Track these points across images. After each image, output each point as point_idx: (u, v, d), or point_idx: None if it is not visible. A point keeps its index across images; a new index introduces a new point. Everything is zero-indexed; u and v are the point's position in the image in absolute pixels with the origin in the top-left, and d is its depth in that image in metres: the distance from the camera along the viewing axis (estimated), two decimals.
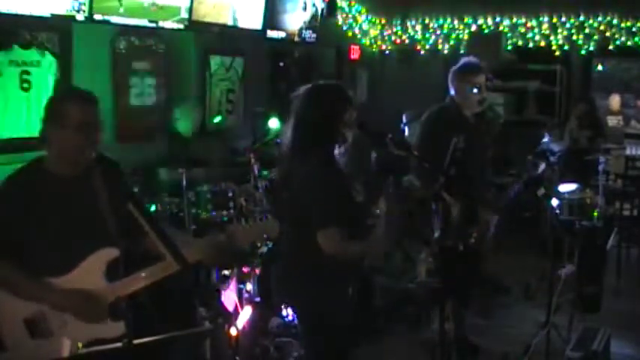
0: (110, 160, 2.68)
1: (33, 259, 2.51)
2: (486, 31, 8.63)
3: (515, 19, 8.48)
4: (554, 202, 5.26)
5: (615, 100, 8.40)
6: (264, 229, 2.80)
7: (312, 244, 2.84)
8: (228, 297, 4.40)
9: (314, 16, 7.57)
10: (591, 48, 8.12)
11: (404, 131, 6.91)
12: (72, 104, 2.53)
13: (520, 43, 8.51)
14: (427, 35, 9.08)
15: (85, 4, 4.81)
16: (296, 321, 3.62)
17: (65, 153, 2.55)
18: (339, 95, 2.98)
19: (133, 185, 3.55)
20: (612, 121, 8.32)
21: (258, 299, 4.64)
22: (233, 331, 3.86)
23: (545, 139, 6.88)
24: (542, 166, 4.71)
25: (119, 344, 2.23)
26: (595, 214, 5.82)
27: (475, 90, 4.19)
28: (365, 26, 8.88)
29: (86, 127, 2.50)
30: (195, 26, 5.86)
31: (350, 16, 8.55)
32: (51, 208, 2.53)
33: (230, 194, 5.18)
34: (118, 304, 2.53)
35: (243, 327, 4.25)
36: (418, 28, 9.14)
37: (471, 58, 4.41)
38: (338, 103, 2.94)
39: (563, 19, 8.20)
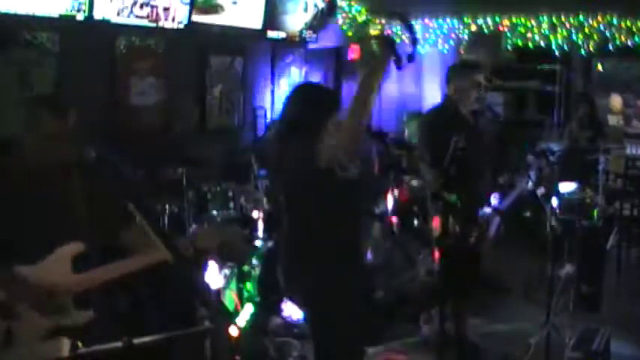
0: (107, 158, 2.68)
1: (2, 252, 2.50)
2: (486, 31, 8.61)
3: (515, 19, 8.46)
4: (554, 201, 5.25)
5: (617, 100, 8.40)
6: (229, 235, 2.77)
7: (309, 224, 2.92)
8: (228, 297, 4.40)
9: (314, 16, 7.57)
10: (591, 48, 8.11)
11: (404, 130, 6.91)
12: (43, 114, 2.57)
13: (520, 43, 8.50)
14: (427, 35, 9.07)
15: (85, 3, 4.81)
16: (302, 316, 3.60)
17: (37, 155, 2.59)
18: (327, 99, 3.01)
19: (133, 184, 3.55)
20: (612, 120, 8.32)
21: (258, 299, 4.64)
22: (233, 331, 3.86)
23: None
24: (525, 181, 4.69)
25: (119, 344, 2.24)
26: (595, 213, 5.82)
27: (474, 88, 4.21)
28: None
29: (56, 137, 2.54)
30: (195, 26, 5.86)
31: (350, 16, 8.53)
32: (23, 203, 2.53)
33: (230, 194, 5.19)
34: (85, 294, 2.49)
35: (244, 327, 4.25)
36: (418, 28, 9.13)
37: (470, 57, 4.43)
38: (325, 106, 2.96)
39: (563, 19, 8.19)
